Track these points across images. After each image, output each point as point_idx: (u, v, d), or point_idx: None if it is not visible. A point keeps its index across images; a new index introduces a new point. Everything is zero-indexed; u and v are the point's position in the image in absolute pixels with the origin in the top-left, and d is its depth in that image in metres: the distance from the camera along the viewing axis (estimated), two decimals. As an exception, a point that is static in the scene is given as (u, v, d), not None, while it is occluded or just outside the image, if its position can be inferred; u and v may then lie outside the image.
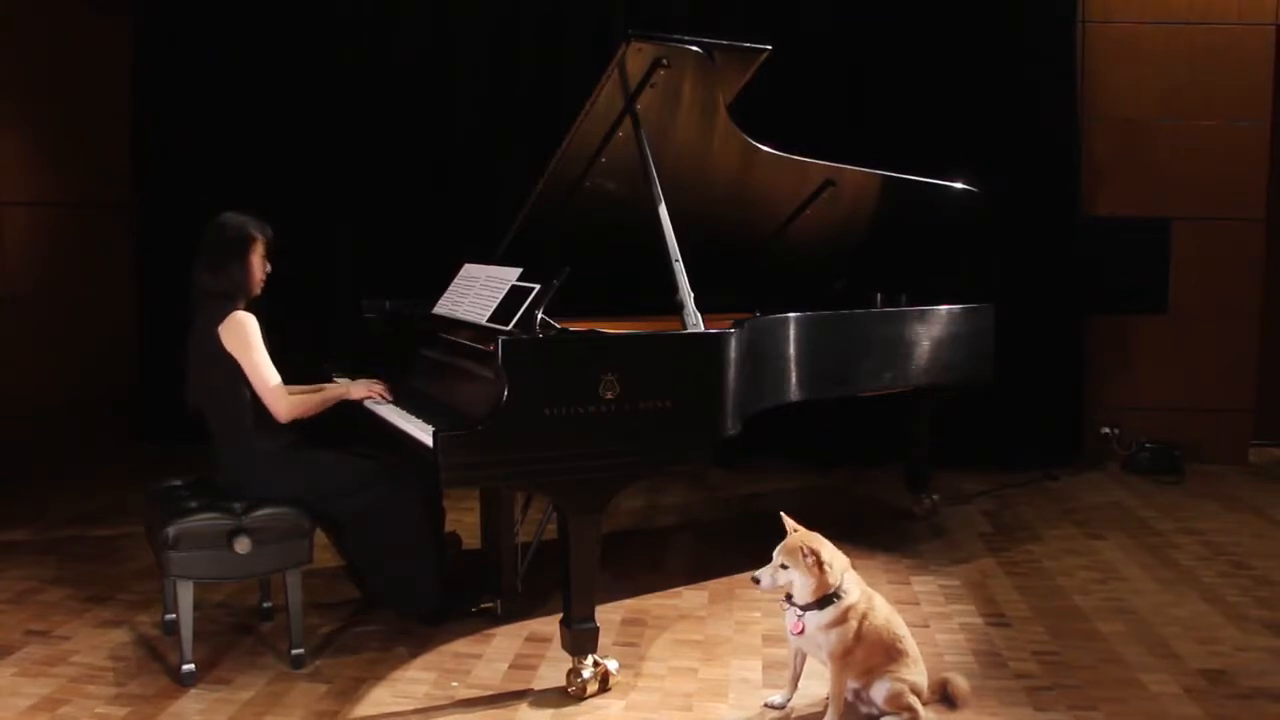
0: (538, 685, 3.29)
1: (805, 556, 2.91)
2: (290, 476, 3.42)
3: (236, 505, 3.31)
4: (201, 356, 3.42)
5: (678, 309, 3.44)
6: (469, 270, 4.05)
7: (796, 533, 2.99)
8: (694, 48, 3.54)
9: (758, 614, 3.88)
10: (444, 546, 3.80)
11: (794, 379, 3.98)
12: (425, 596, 3.63)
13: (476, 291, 3.81)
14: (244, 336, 3.37)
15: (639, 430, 3.18)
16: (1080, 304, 6.15)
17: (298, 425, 3.50)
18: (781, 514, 3.07)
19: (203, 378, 3.45)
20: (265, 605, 3.76)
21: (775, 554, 2.97)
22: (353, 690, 3.24)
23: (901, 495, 5.25)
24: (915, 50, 5.93)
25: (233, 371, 3.38)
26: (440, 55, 6.14)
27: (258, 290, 3.52)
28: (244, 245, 3.46)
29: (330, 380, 4.02)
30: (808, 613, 2.95)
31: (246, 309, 3.44)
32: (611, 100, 3.63)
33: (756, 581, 2.97)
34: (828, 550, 2.95)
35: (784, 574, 2.95)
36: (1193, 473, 5.96)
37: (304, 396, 3.52)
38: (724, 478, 5.91)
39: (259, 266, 3.50)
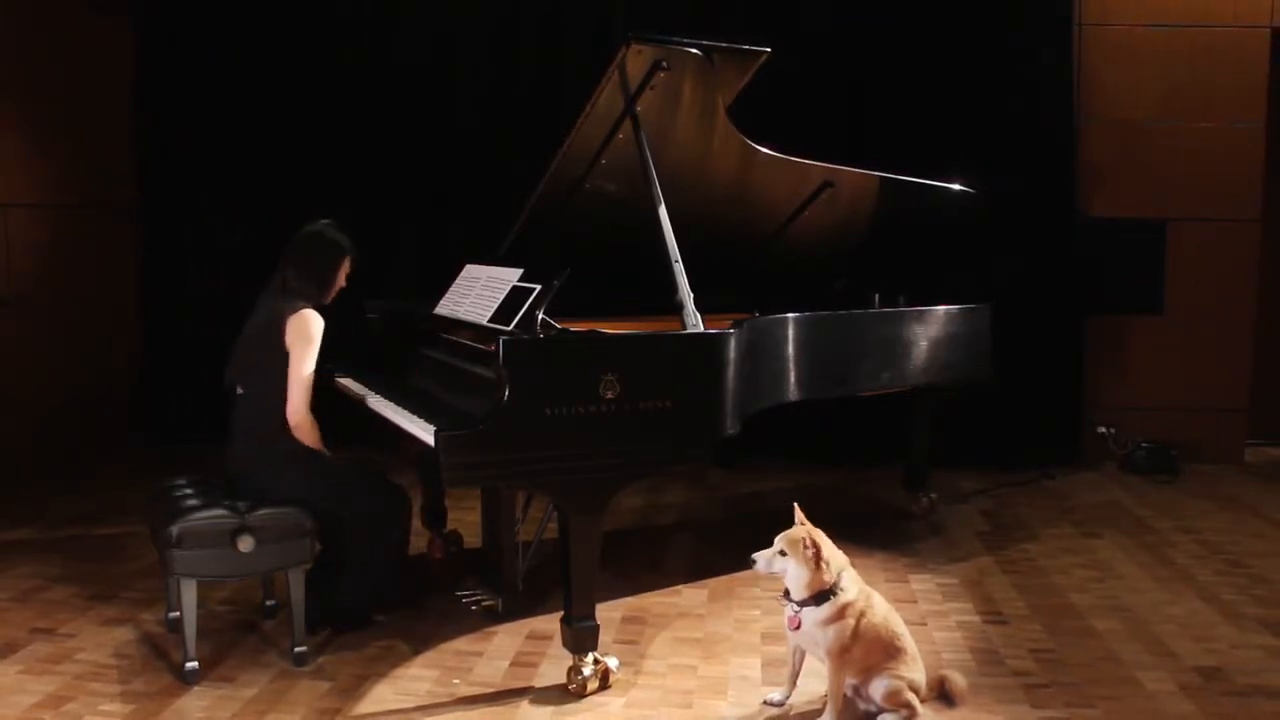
0: (539, 683, 3.31)
1: (806, 548, 2.94)
2: (304, 475, 3.44)
3: (240, 504, 3.33)
4: (257, 335, 3.49)
5: (678, 309, 3.46)
6: (470, 271, 4.07)
7: (803, 525, 3.01)
8: (693, 50, 3.56)
9: (757, 612, 3.90)
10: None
11: (793, 379, 4.00)
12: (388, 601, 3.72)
13: (478, 292, 3.83)
14: (307, 333, 3.42)
15: (639, 430, 3.20)
16: (1078, 304, 6.17)
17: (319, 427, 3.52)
18: (794, 504, 3.09)
19: (250, 356, 3.51)
20: (268, 603, 3.78)
21: (777, 540, 2.99)
22: (355, 688, 3.26)
23: (900, 494, 5.28)
24: (914, 52, 5.95)
25: (284, 360, 3.41)
26: (440, 55, 6.16)
27: (329, 300, 3.63)
28: (337, 259, 3.62)
29: (332, 379, 4.06)
30: (804, 608, 2.98)
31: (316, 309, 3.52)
32: (612, 102, 3.65)
33: (754, 562, 3.00)
34: (828, 547, 2.98)
35: (780, 561, 2.97)
36: (1189, 472, 5.98)
37: (314, 421, 3.50)
38: (724, 478, 5.93)
39: (341, 282, 3.66)
